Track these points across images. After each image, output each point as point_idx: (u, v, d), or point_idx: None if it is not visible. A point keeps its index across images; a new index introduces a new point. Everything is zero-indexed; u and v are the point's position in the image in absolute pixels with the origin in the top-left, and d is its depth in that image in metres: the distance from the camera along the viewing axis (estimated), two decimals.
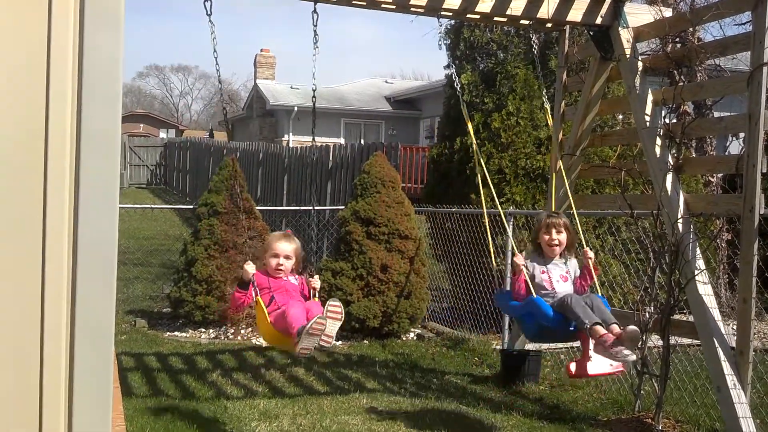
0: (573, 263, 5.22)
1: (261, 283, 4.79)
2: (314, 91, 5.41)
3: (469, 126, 5.81)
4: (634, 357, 4.78)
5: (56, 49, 1.64)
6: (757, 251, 5.08)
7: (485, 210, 5.79)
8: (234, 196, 9.49)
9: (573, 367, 5.05)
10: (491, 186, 5.93)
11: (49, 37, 1.64)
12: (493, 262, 5.82)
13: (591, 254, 5.14)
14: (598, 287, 5.37)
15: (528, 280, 5.02)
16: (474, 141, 5.96)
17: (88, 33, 1.66)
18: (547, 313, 4.86)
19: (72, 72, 1.66)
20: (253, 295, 4.74)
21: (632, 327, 4.67)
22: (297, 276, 4.99)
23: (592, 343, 4.84)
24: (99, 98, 1.67)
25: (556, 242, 5.14)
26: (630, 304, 7.34)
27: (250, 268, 4.78)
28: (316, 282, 4.95)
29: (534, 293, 4.98)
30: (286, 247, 4.88)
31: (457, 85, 6.30)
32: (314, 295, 4.90)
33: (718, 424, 5.74)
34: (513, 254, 5.26)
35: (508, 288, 5.32)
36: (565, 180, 6.43)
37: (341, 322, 4.60)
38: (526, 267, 5.09)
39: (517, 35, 10.77)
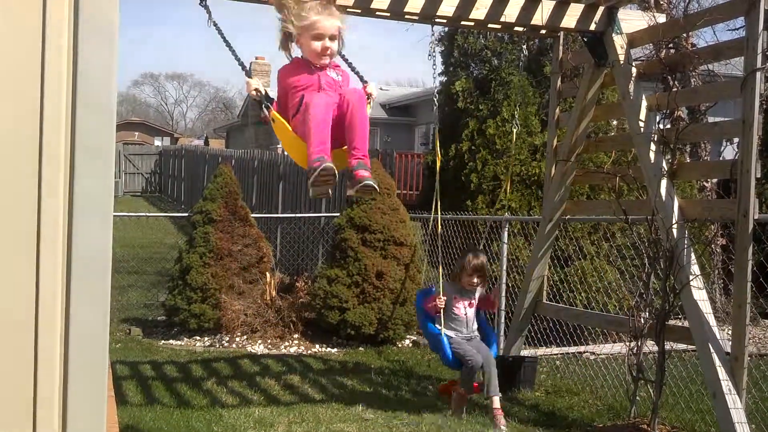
0: (479, 290, 6.28)
1: (295, 81, 3.89)
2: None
3: None
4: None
5: (50, 58, 1.64)
6: (751, 256, 5.08)
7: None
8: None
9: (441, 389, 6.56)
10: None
11: (44, 47, 1.64)
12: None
13: (496, 301, 6.65)
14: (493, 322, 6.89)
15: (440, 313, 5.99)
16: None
17: (82, 42, 1.66)
18: (447, 357, 5.94)
19: (66, 81, 1.66)
20: (266, 113, 3.90)
21: (499, 414, 5.81)
22: (340, 70, 4.05)
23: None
24: (93, 107, 1.67)
25: (474, 284, 6.17)
26: (625, 310, 7.35)
27: (254, 82, 3.94)
28: (371, 88, 4.16)
29: (442, 323, 5.95)
30: (332, 24, 3.89)
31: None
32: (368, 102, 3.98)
33: (713, 430, 5.74)
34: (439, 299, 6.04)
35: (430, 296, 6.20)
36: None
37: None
38: (443, 307, 6.00)
39: (511, 42, 10.80)
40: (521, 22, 6.39)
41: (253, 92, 3.89)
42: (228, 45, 4.16)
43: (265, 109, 3.90)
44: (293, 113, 3.84)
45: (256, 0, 6.04)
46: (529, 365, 7.25)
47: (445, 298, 5.95)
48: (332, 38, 3.88)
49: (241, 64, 4.15)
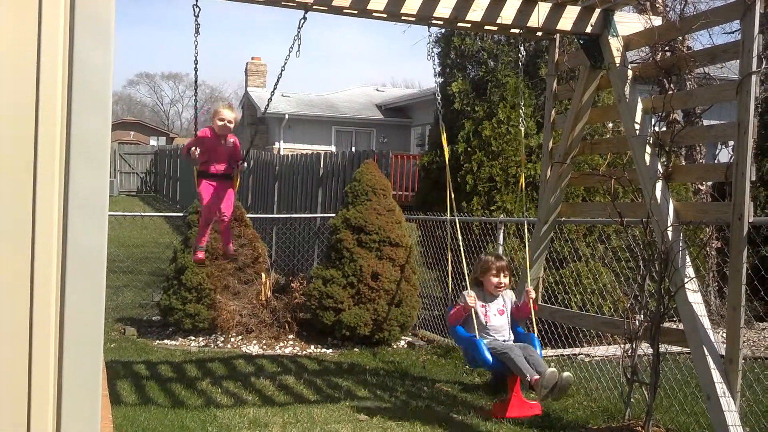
0: (508, 294, 5.90)
1: (205, 139, 6.21)
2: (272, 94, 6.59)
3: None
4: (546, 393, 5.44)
5: (46, 57, 1.64)
6: (746, 259, 5.09)
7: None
8: None
9: (495, 408, 6.06)
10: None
11: (39, 46, 1.64)
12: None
13: (532, 294, 5.79)
14: (534, 325, 5.97)
15: (473, 315, 5.58)
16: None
17: (78, 41, 1.66)
18: (486, 360, 5.47)
19: (62, 80, 1.65)
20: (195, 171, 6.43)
21: (551, 371, 5.35)
22: (234, 139, 6.38)
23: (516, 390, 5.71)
24: (89, 106, 1.67)
25: (502, 285, 5.79)
26: (620, 312, 7.36)
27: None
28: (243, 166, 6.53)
29: (476, 329, 5.50)
30: (229, 114, 6.28)
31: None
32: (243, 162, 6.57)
33: None
34: (467, 293, 5.65)
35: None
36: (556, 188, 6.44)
37: None
38: (474, 309, 5.58)
39: (507, 44, 10.81)
40: (517, 24, 6.39)
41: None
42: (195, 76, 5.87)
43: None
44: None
45: (252, 0, 6.04)
46: None
47: (474, 295, 5.42)
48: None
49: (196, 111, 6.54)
